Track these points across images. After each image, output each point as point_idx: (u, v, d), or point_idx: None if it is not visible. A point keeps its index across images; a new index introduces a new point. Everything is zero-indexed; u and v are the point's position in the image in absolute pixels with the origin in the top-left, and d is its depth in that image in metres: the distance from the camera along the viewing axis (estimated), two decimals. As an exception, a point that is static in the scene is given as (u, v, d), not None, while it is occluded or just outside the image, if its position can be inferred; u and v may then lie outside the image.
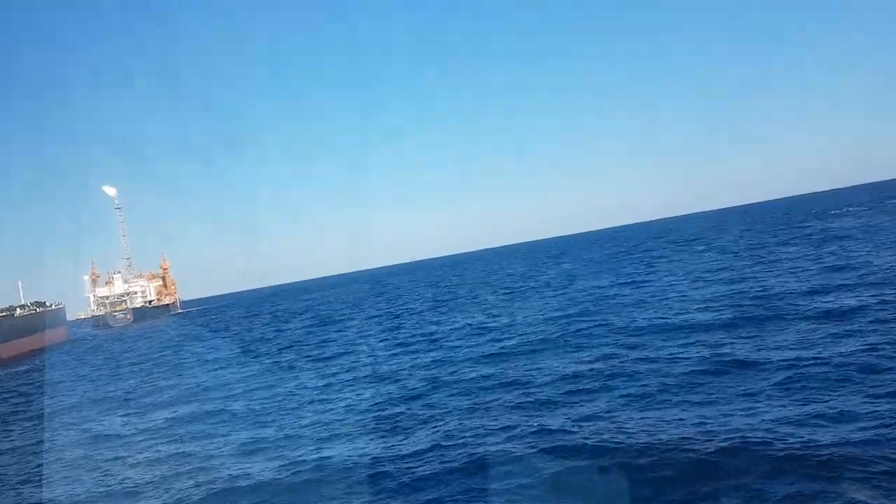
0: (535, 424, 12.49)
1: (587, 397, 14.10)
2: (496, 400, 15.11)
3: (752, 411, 11.51)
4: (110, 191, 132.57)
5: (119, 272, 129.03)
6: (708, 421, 11.30)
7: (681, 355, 16.51)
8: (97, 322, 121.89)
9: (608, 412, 12.68)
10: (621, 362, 16.75)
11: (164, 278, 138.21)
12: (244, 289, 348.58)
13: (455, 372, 19.38)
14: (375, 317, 43.70)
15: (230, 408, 19.47)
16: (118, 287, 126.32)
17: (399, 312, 42.00)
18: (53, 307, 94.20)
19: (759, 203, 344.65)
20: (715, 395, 12.77)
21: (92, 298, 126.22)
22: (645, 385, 14.15)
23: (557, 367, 17.65)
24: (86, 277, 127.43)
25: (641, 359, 16.74)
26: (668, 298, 27.19)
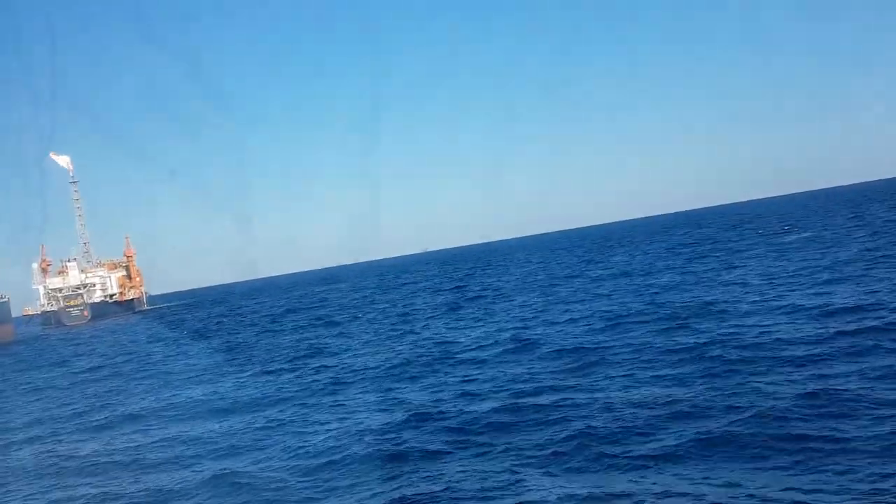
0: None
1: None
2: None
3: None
4: (62, 160, 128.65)
5: (74, 259, 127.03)
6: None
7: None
8: (48, 319, 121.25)
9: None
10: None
11: (128, 268, 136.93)
12: (228, 281, 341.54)
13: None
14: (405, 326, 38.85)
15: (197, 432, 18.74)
16: (73, 278, 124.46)
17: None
18: None
19: (829, 189, 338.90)
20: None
21: (42, 291, 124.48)
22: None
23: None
24: (34, 265, 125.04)
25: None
26: (778, 308, 24.96)
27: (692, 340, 20.95)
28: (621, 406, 14.83)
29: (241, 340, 43.84)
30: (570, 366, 20.22)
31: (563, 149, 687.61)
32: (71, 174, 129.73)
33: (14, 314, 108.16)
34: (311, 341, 36.91)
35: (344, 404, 19.30)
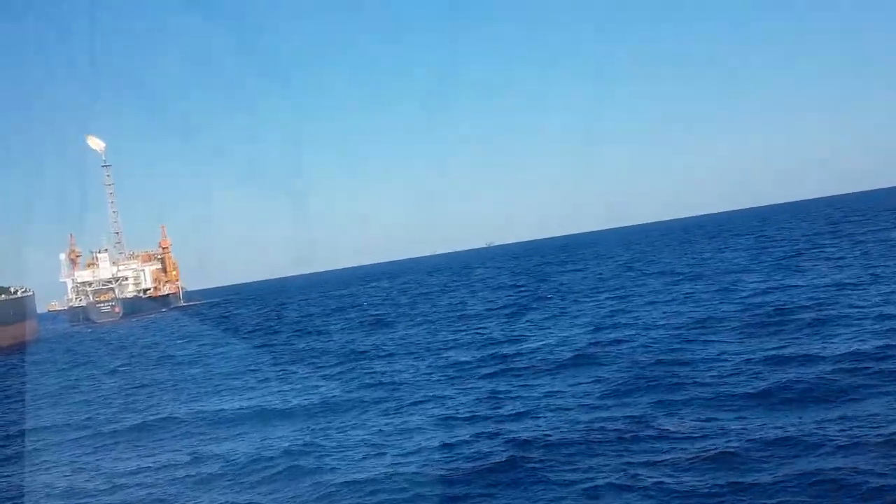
0: None
1: None
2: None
3: None
4: (96, 144, 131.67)
5: (105, 250, 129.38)
6: None
7: None
8: (76, 315, 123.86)
9: None
10: None
11: (163, 260, 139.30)
12: (280, 275, 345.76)
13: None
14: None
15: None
16: (104, 270, 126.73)
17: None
18: (19, 293, 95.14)
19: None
20: None
21: (70, 284, 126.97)
22: None
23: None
24: (62, 256, 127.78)
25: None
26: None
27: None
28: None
29: (279, 340, 45.35)
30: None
31: (662, 133, 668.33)
32: (103, 158, 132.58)
33: (39, 310, 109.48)
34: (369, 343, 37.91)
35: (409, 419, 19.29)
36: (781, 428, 14.09)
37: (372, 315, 56.57)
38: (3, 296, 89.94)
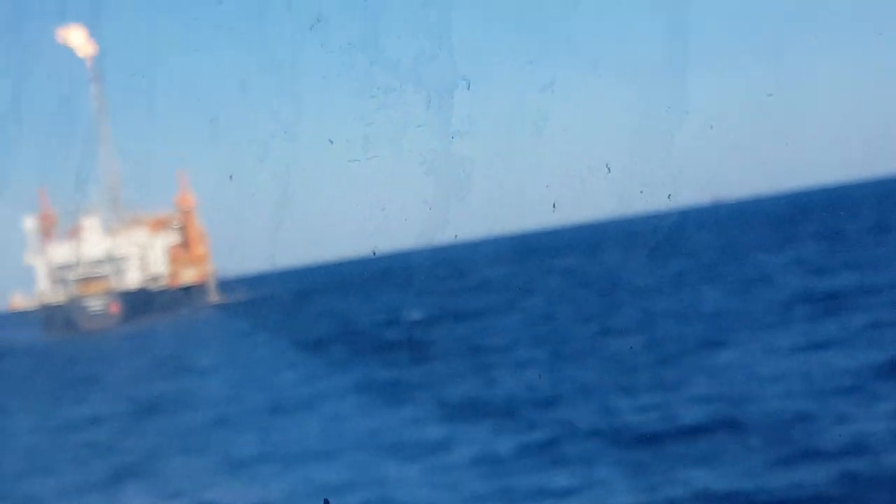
0: None
1: None
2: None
3: None
4: (80, 42, 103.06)
5: (95, 213, 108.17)
6: None
7: None
8: (51, 317, 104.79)
9: None
10: None
11: (184, 228, 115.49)
12: (337, 257, 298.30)
13: None
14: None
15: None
16: (93, 244, 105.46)
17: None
18: None
19: None
20: None
21: (42, 266, 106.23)
22: None
23: None
24: (27, 222, 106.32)
25: None
26: None
27: None
28: None
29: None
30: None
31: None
32: (89, 66, 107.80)
33: None
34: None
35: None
36: None
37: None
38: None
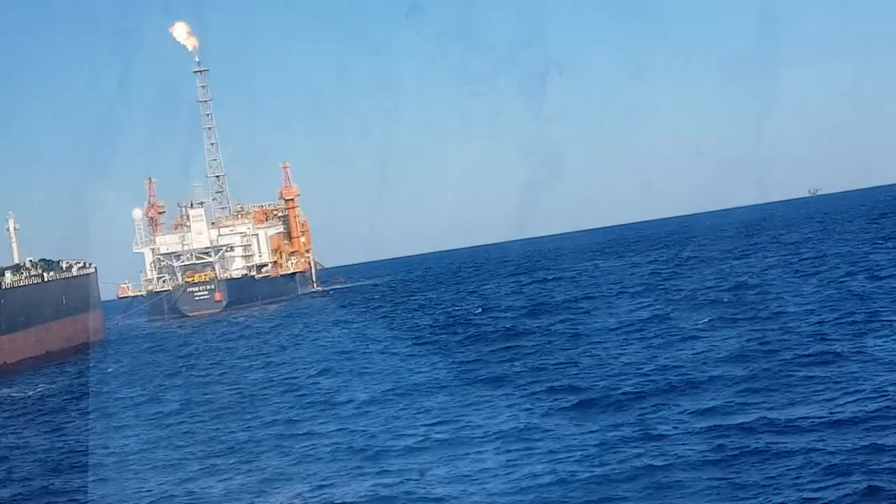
0: None
1: None
2: None
3: None
4: (185, 37, 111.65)
5: (201, 204, 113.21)
6: None
7: None
8: (158, 304, 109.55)
9: None
10: None
11: (287, 220, 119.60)
12: (459, 245, 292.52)
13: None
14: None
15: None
16: (199, 235, 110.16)
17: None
18: (74, 270, 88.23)
19: None
20: None
21: (148, 256, 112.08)
22: None
23: None
24: (136, 213, 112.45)
25: None
26: None
27: None
28: None
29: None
30: None
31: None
32: (196, 60, 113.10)
33: (104, 296, 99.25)
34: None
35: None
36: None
37: None
38: (51, 273, 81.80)
